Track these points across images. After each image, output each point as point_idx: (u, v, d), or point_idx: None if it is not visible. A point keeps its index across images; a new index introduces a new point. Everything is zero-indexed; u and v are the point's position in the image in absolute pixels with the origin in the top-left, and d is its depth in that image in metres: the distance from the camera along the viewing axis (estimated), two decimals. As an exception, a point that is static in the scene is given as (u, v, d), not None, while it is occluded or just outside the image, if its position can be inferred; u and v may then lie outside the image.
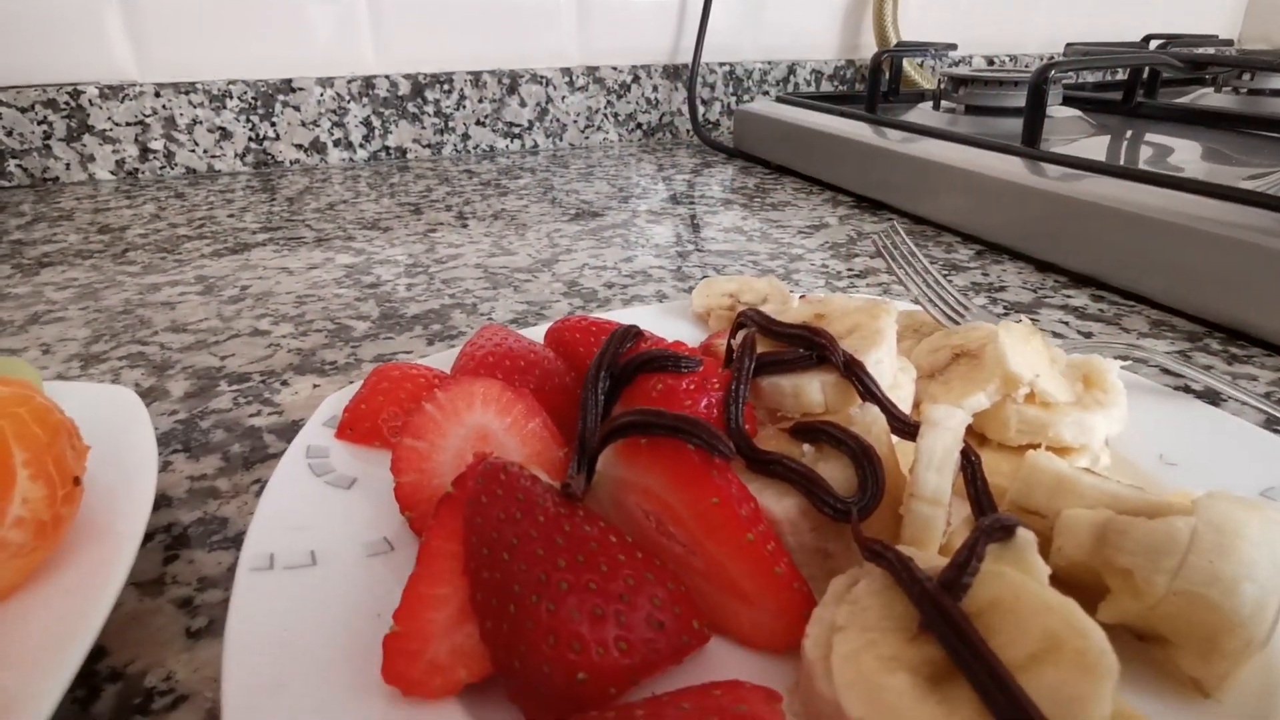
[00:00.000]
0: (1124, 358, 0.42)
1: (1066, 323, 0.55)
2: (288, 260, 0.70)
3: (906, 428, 0.29)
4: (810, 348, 0.32)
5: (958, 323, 0.41)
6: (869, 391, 0.30)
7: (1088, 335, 0.53)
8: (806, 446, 0.29)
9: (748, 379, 0.31)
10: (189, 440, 0.41)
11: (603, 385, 0.31)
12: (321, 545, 0.28)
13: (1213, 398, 0.44)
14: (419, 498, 0.29)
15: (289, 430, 0.42)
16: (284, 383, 0.47)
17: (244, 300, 0.60)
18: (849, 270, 0.66)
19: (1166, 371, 0.47)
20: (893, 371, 0.33)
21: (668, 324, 0.47)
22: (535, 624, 0.22)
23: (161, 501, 0.36)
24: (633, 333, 0.33)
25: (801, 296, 0.44)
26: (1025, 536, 0.22)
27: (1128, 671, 0.24)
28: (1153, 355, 0.40)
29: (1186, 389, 0.45)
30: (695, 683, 0.22)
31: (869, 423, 0.29)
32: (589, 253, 0.71)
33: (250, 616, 0.24)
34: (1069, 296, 0.60)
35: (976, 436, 0.35)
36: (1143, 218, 0.57)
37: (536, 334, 0.42)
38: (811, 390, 0.31)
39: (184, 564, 0.32)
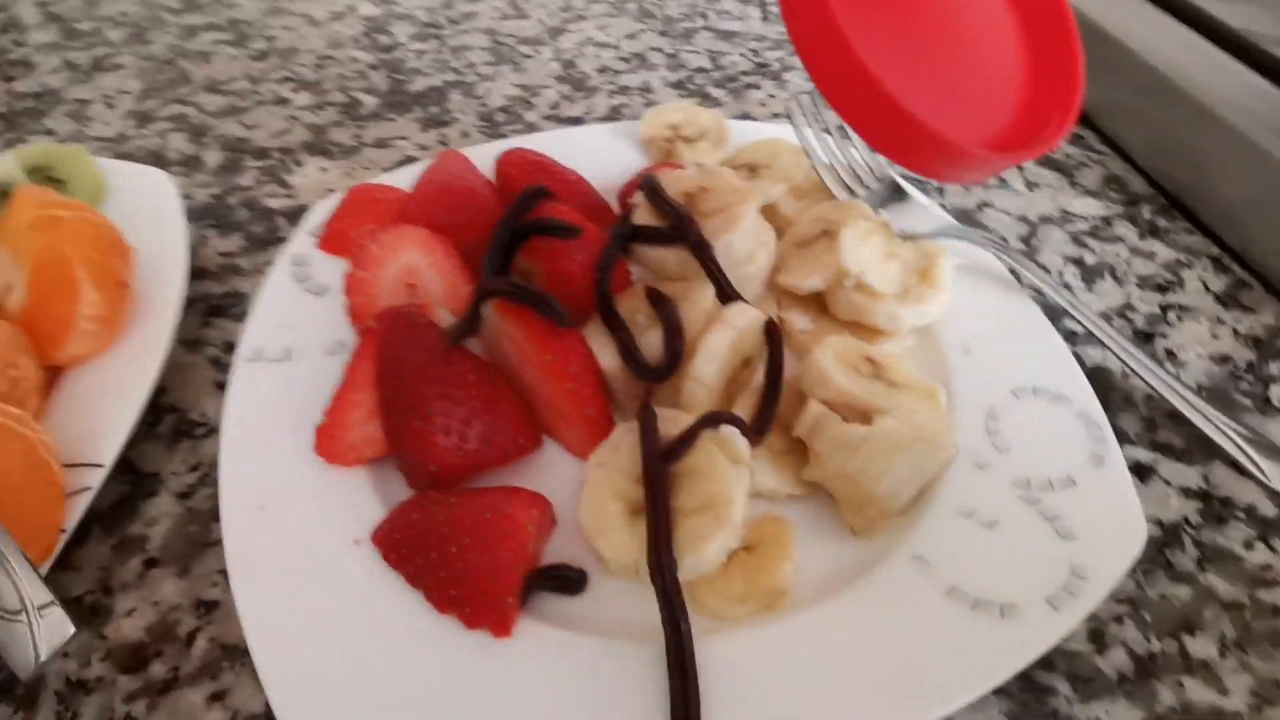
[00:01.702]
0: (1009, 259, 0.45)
1: (1022, 167, 0.57)
2: (313, 6, 0.73)
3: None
4: (673, 227, 0.38)
5: (854, 193, 0.45)
6: (710, 272, 0.38)
7: (1033, 186, 0.55)
8: (641, 318, 0.37)
9: (617, 247, 0.38)
10: (220, 217, 0.51)
11: (503, 240, 0.39)
12: (295, 343, 0.39)
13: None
14: (363, 313, 0.40)
15: (296, 213, 0.52)
16: (297, 162, 0.56)
17: (270, 57, 0.66)
18: (844, 74, 0.66)
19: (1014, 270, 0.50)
20: (747, 250, 0.39)
21: (617, 146, 0.51)
22: (410, 430, 0.33)
23: (199, 273, 0.48)
24: (539, 194, 0.40)
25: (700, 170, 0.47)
26: (729, 430, 0.31)
27: (820, 515, 0.34)
28: (1007, 253, 0.43)
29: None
30: (536, 477, 0.34)
31: (696, 300, 0.37)
32: (597, 24, 0.72)
33: (241, 397, 0.36)
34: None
35: (821, 303, 0.42)
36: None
37: (516, 143, 0.48)
38: (669, 262, 0.39)
39: (215, 329, 0.45)
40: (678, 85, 0.64)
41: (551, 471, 0.36)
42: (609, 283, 0.38)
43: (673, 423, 0.33)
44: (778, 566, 0.31)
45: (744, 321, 0.34)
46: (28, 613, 0.27)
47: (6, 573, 0.28)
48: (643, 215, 0.40)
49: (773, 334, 0.36)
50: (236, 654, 0.31)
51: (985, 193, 0.54)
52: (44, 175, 0.46)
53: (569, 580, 0.31)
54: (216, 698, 0.30)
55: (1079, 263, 0.49)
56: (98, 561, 0.34)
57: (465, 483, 0.34)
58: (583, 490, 0.32)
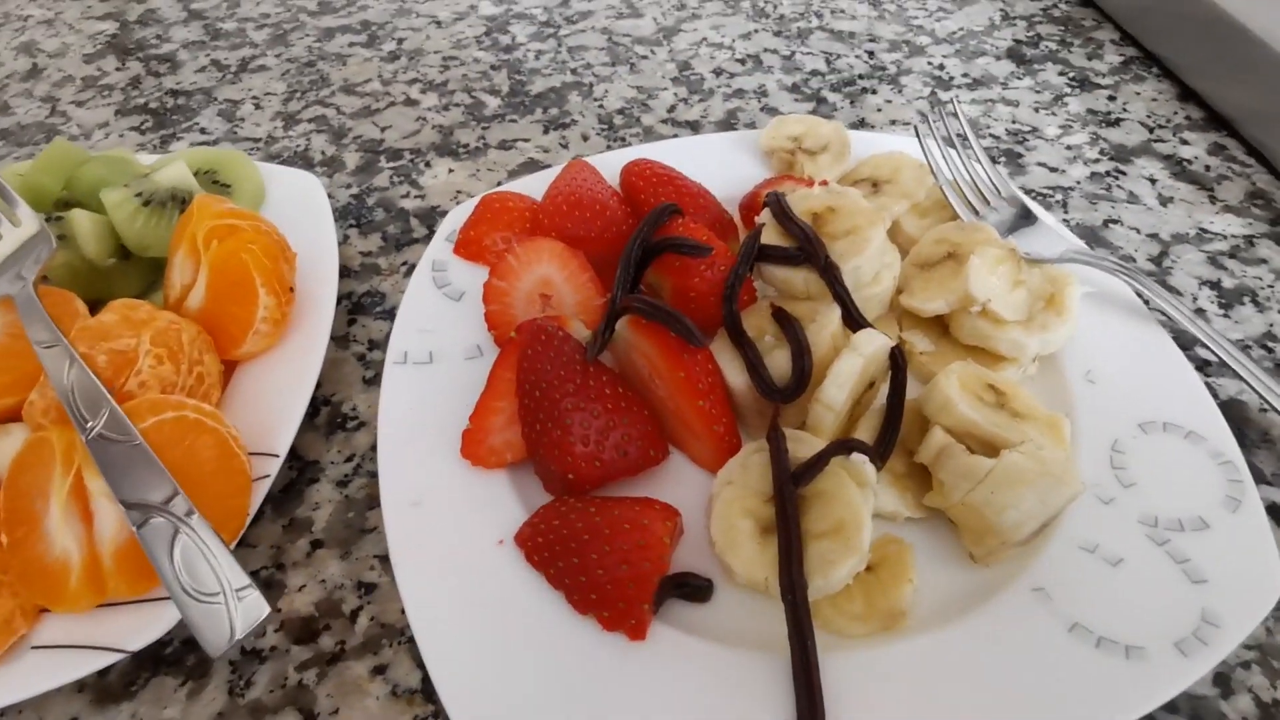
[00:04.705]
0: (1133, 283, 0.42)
1: (1154, 180, 0.55)
2: (437, 7, 0.76)
3: (857, 327, 0.38)
4: (801, 248, 0.39)
5: (978, 213, 0.44)
6: (837, 295, 0.38)
7: (1166, 201, 0.53)
8: (769, 337, 0.38)
9: (746, 267, 0.40)
10: (360, 216, 0.55)
11: (635, 256, 0.41)
12: (437, 347, 0.42)
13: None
14: (500, 321, 0.42)
15: (427, 214, 0.55)
16: (427, 163, 0.59)
17: (399, 59, 0.70)
18: (964, 77, 0.64)
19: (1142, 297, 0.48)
20: (873, 271, 0.40)
21: (736, 156, 0.52)
22: (549, 439, 0.36)
23: (343, 272, 0.51)
24: (669, 211, 0.42)
25: (819, 185, 0.47)
26: (859, 458, 0.32)
27: (939, 539, 0.35)
28: (1137, 277, 0.42)
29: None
30: (661, 486, 0.36)
31: (823, 323, 0.38)
32: (711, 23, 0.72)
33: (392, 398, 0.39)
34: (1185, 143, 0.57)
35: (942, 324, 0.42)
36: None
37: (634, 153, 0.50)
38: (796, 281, 0.40)
39: (359, 327, 0.48)
40: (793, 89, 0.64)
41: (677, 481, 0.38)
42: (737, 301, 0.39)
43: (801, 444, 0.34)
44: (899, 588, 0.32)
45: (873, 349, 0.35)
46: (225, 594, 0.31)
47: (204, 558, 0.32)
48: (770, 234, 0.41)
49: (897, 360, 0.37)
50: (394, 632, 0.35)
51: (1113, 208, 0.53)
52: (210, 179, 0.51)
53: (698, 588, 0.33)
54: (378, 671, 0.34)
55: (1216, 286, 0.48)
56: (270, 539, 0.38)
57: (598, 490, 0.36)
58: (713, 505, 0.34)
